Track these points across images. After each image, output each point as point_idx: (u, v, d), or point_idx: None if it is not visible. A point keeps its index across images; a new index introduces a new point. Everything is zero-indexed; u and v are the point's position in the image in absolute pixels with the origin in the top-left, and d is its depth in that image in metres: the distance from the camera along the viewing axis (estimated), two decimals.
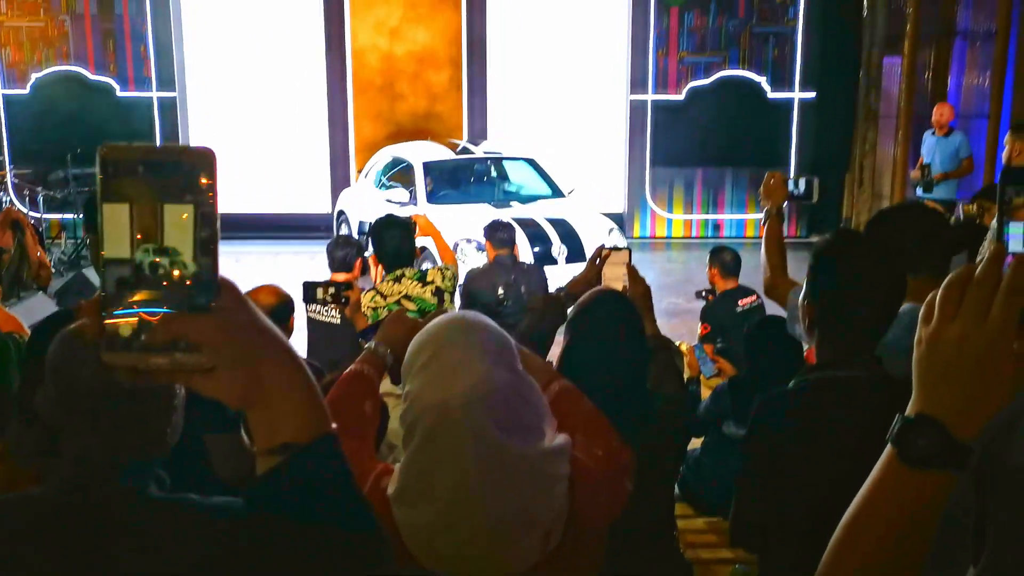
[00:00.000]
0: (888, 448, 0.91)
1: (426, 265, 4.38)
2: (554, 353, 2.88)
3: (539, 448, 1.53)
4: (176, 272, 0.73)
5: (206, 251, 0.74)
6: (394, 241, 4.21)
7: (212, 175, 0.75)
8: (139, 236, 0.72)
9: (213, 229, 0.74)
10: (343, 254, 4.89)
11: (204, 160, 0.75)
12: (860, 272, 1.99)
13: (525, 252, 7.63)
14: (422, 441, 1.50)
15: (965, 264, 0.85)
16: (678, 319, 8.25)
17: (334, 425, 0.84)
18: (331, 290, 3.32)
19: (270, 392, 0.79)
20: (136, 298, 0.72)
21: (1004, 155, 5.00)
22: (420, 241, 4.63)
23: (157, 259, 0.73)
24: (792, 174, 3.03)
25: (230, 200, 10.78)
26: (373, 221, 4.36)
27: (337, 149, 12.12)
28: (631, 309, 2.43)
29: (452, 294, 4.32)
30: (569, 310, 2.45)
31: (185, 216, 0.73)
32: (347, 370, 1.84)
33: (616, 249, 2.96)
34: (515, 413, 1.52)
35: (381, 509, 1.51)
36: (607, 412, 2.22)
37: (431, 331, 1.62)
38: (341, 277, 4.85)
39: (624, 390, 2.29)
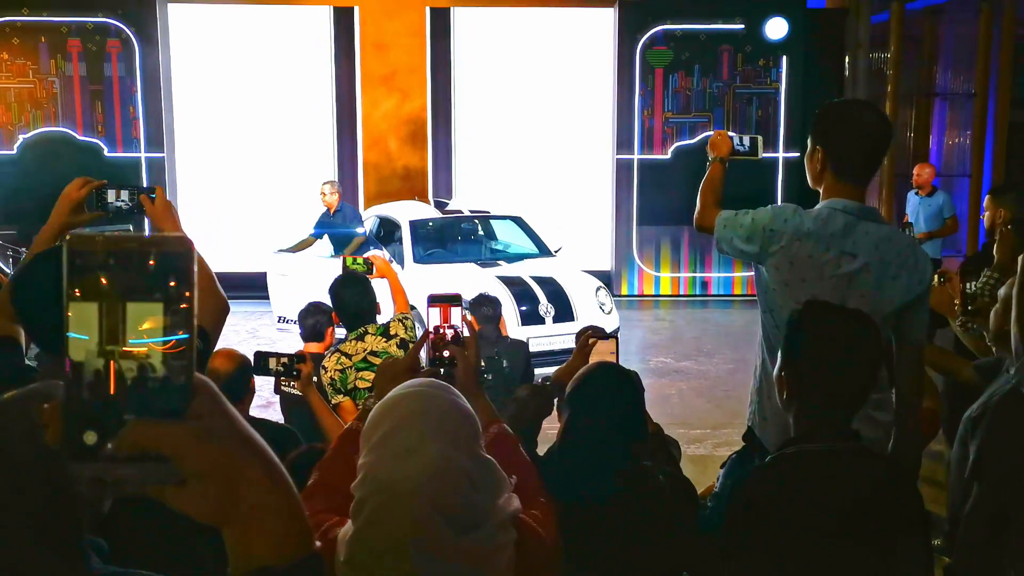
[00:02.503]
0: None
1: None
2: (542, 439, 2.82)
3: (485, 532, 1.51)
4: (145, 377, 0.68)
5: (179, 353, 0.69)
6: (353, 299, 4.10)
7: (188, 268, 0.69)
8: (106, 338, 0.67)
9: (188, 328, 0.69)
10: (313, 322, 4.72)
11: (178, 250, 0.69)
12: (833, 343, 1.97)
13: (512, 312, 7.60)
14: (368, 520, 1.48)
15: None
16: (667, 379, 8.21)
17: (318, 544, 0.78)
18: (283, 361, 3.23)
19: (247, 508, 0.72)
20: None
21: (986, 220, 4.97)
22: (378, 284, 4.54)
23: (123, 363, 0.68)
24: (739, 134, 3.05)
25: (221, 259, 10.75)
26: (332, 281, 4.28)
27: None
28: (630, 379, 2.39)
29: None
30: (567, 387, 2.40)
31: (155, 315, 0.68)
32: (346, 427, 1.91)
33: (602, 337, 2.93)
34: (464, 500, 1.50)
35: (326, 558, 1.51)
36: (608, 486, 2.16)
37: (391, 403, 1.60)
38: (313, 347, 4.68)
39: (626, 464, 2.23)
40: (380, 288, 4.50)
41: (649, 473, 2.26)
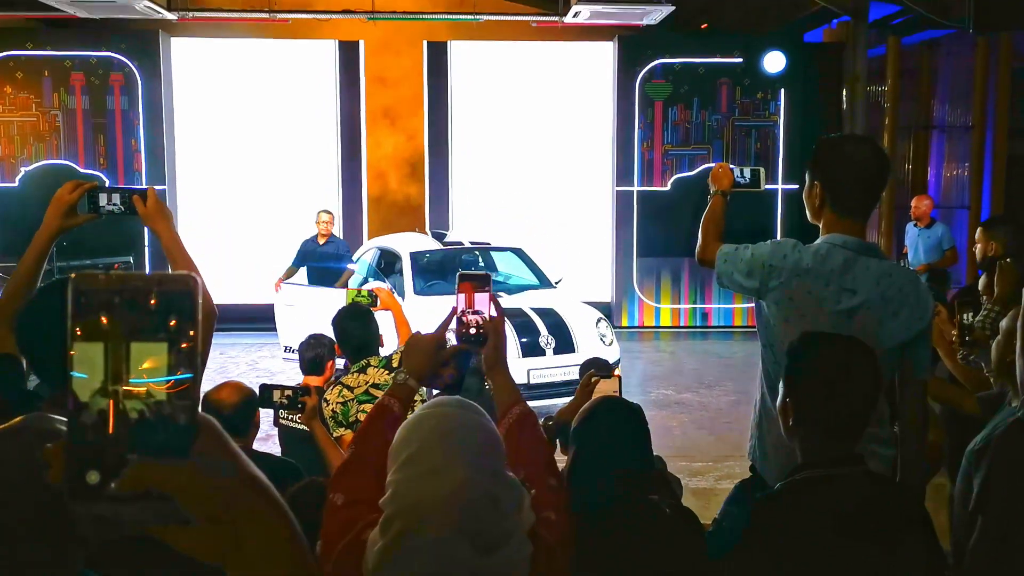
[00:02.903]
0: None
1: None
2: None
3: (505, 551, 1.55)
4: (149, 416, 0.68)
5: (183, 392, 0.69)
6: (357, 331, 4.08)
7: (192, 306, 0.70)
8: (111, 378, 0.68)
9: (192, 367, 0.69)
10: (313, 355, 4.69)
11: (183, 289, 0.70)
12: (833, 369, 2.02)
13: (512, 343, 7.59)
14: (395, 538, 1.52)
15: None
16: (668, 411, 8.18)
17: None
18: (288, 393, 3.22)
19: (251, 550, 0.73)
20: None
21: (978, 252, 4.99)
22: (382, 316, 4.53)
23: (126, 403, 0.68)
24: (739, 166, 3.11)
25: (222, 292, 10.76)
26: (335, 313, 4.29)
27: (355, 244, 12.19)
28: (636, 412, 2.42)
29: None
30: (573, 422, 2.42)
31: (159, 354, 0.68)
32: (377, 402, 1.98)
33: (605, 376, 2.92)
34: (487, 522, 1.53)
35: (354, 559, 1.58)
36: (617, 519, 2.17)
37: (417, 423, 1.63)
38: (313, 380, 4.64)
39: (633, 497, 2.25)
40: (385, 320, 4.50)
41: (656, 506, 2.26)
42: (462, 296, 2.02)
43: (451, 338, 2.06)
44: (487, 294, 2.03)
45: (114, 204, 2.31)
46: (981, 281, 4.13)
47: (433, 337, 2.01)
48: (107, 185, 2.40)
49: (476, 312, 2.02)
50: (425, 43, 12.21)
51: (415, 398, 2.03)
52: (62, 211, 2.25)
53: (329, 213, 9.81)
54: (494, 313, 2.03)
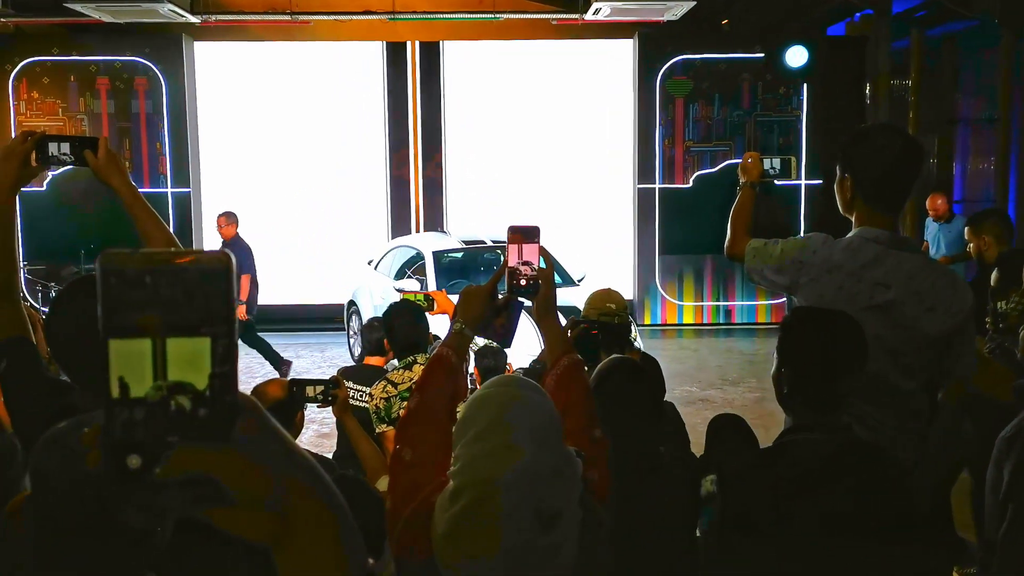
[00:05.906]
0: None
1: None
2: None
3: (564, 523, 1.62)
4: (191, 407, 0.66)
5: (226, 382, 0.67)
6: (404, 328, 4.16)
7: (227, 289, 0.67)
8: (148, 372, 0.66)
9: (229, 351, 0.67)
10: (377, 336, 4.83)
11: (217, 268, 0.67)
12: (824, 343, 2.14)
13: (536, 342, 7.58)
14: (464, 509, 1.59)
15: None
16: (692, 407, 8.16)
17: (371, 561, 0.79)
18: (319, 388, 3.27)
19: (299, 530, 0.71)
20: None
21: (972, 250, 4.98)
22: (438, 320, 4.57)
23: (170, 398, 0.66)
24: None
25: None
26: (386, 307, 4.37)
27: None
28: (646, 371, 2.61)
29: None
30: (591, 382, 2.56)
31: (196, 343, 0.66)
32: (434, 352, 2.06)
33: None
34: (551, 496, 1.60)
35: (423, 521, 1.66)
36: (633, 478, 2.34)
37: (484, 401, 1.69)
38: (375, 361, 4.81)
39: (647, 453, 2.44)
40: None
41: (664, 459, 2.47)
42: (513, 248, 2.10)
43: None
44: (536, 245, 2.10)
45: (64, 153, 2.29)
46: (993, 276, 4.11)
47: (486, 288, 2.11)
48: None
49: (526, 263, 2.09)
50: (438, 43, 12.26)
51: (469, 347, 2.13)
52: (17, 163, 2.22)
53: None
54: (543, 264, 2.11)
